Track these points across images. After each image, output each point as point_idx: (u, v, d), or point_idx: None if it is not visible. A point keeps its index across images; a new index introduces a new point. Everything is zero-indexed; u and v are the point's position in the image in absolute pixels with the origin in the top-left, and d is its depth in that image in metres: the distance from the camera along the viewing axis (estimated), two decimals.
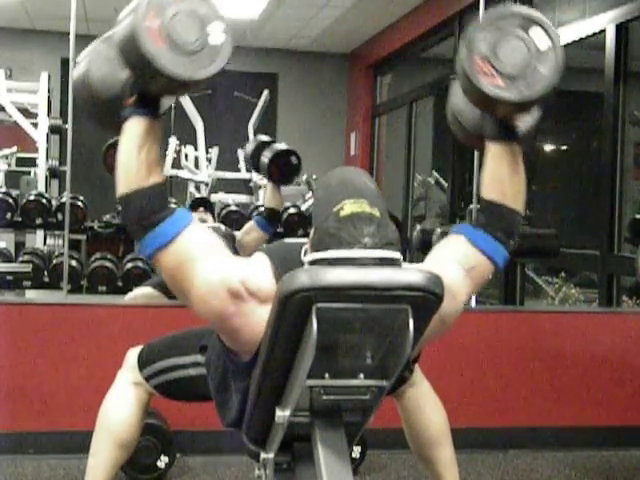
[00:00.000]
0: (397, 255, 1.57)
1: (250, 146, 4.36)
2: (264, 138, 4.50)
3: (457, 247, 1.85)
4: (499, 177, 1.85)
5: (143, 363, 2.23)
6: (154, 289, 3.82)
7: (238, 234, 4.17)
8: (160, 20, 1.60)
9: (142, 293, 3.87)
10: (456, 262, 1.82)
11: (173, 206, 1.73)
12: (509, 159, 1.85)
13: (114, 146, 4.58)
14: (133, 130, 1.71)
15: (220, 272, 1.67)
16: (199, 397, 2.20)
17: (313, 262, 1.59)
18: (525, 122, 1.95)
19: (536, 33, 1.75)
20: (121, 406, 2.23)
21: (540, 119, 2.00)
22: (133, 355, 2.28)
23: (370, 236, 1.54)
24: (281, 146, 4.23)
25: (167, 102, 1.91)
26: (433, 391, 2.47)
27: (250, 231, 4.14)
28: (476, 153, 4.06)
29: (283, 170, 4.13)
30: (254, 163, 4.29)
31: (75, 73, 1.98)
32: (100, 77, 1.91)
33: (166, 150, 6.26)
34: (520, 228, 1.91)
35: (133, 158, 1.69)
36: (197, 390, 2.15)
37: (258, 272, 1.69)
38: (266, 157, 4.11)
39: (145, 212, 1.68)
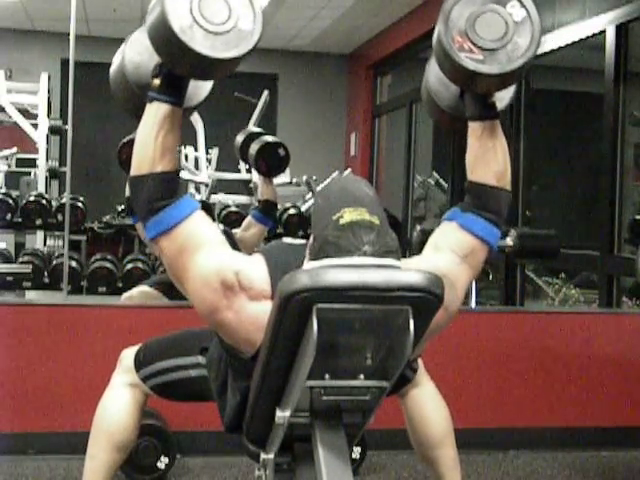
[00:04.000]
0: (397, 263, 1.57)
1: (240, 137, 4.34)
2: (254, 129, 4.47)
3: (450, 234, 1.85)
4: (483, 157, 1.85)
5: (140, 363, 2.21)
6: (152, 288, 3.81)
7: (238, 231, 4.16)
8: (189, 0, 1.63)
9: (139, 291, 3.85)
10: (450, 251, 1.82)
11: (181, 194, 1.74)
12: (491, 137, 1.84)
13: (129, 144, 4.53)
14: (153, 114, 1.72)
15: (216, 262, 1.69)
16: (198, 398, 2.20)
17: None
18: (503, 99, 1.95)
19: (511, 5, 1.76)
20: (117, 408, 2.21)
21: (516, 95, 2.00)
22: (128, 356, 2.26)
23: (370, 244, 1.54)
24: (269, 138, 4.21)
25: (194, 96, 1.93)
26: (438, 392, 2.47)
27: (249, 227, 4.12)
28: None
29: (270, 162, 4.11)
30: (243, 154, 4.27)
31: (113, 61, 1.99)
32: (134, 63, 1.92)
33: None
34: (508, 205, 1.88)
35: (149, 143, 1.71)
36: (197, 391, 2.15)
37: (253, 268, 1.71)
38: (253, 149, 4.09)
39: (152, 197, 1.70)
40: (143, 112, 1.76)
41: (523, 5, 1.76)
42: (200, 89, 1.98)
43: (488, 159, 1.84)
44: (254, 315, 1.66)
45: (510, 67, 1.74)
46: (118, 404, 2.22)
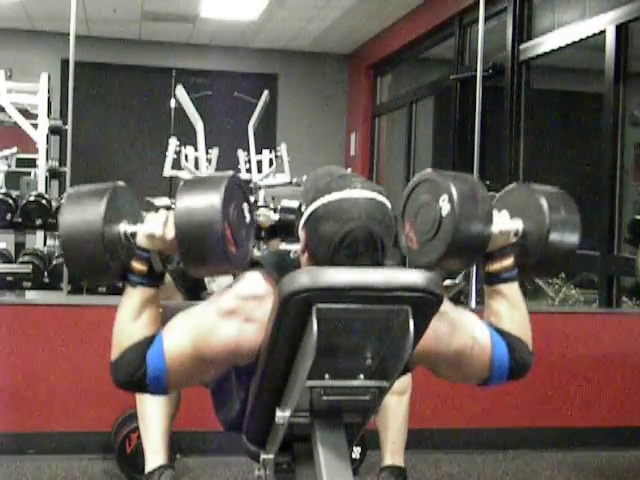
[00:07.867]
0: (386, 201, 1.64)
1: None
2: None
3: (481, 331, 1.87)
4: (499, 314, 1.91)
5: None
6: (170, 276, 3.82)
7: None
8: (229, 225, 1.62)
9: None
10: (471, 337, 1.85)
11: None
12: (504, 300, 1.89)
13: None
14: (136, 298, 1.67)
15: (210, 313, 1.66)
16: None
17: (306, 219, 1.62)
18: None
19: (442, 199, 1.77)
20: None
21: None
22: None
23: (360, 182, 1.63)
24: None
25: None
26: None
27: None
28: (476, 153, 4.06)
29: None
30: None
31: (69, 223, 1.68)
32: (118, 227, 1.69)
33: (166, 151, 6.26)
34: (529, 361, 1.96)
35: (130, 325, 1.66)
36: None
37: (243, 283, 1.69)
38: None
39: (131, 372, 1.64)
40: (99, 275, 1.70)
41: (451, 200, 1.75)
42: None
43: (506, 318, 1.89)
44: (263, 319, 1.64)
45: (428, 261, 1.77)
46: None
